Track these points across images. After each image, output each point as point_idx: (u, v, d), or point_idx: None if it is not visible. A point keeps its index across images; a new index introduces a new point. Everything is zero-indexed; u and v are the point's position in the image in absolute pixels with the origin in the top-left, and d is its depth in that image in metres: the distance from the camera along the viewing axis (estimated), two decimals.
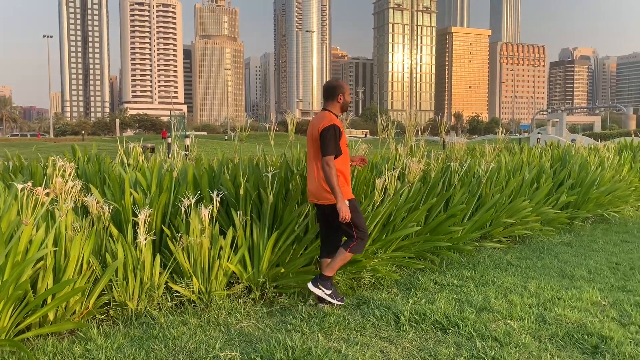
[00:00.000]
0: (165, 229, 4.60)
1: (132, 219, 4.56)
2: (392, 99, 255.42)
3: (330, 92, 4.50)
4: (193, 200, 4.51)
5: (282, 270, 4.60)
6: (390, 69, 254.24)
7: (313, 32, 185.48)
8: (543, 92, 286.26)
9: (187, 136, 21.77)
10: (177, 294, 4.38)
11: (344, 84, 4.56)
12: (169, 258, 4.45)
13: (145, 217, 4.34)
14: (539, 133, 38.03)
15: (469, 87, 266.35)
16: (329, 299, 4.35)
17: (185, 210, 4.54)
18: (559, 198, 7.75)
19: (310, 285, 4.37)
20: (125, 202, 4.67)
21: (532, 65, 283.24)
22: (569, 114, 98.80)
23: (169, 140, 26.56)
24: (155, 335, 3.73)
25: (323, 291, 4.34)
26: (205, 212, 4.39)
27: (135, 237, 4.34)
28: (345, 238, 4.50)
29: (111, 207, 4.50)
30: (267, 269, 4.73)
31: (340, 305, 4.39)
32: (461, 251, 6.11)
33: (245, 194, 4.80)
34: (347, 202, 4.25)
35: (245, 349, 3.55)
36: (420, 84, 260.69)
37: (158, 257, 4.31)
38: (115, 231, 4.41)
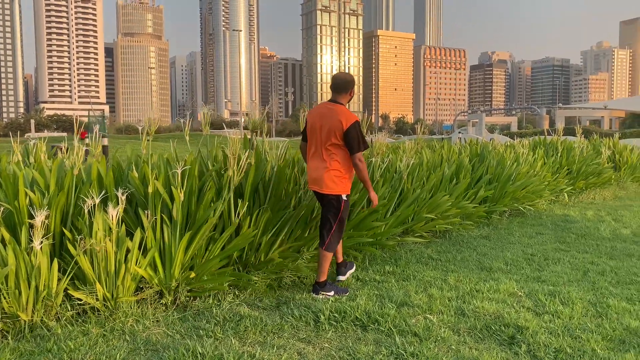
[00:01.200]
0: (65, 231, 4.21)
1: (28, 222, 4.14)
2: (321, 99, 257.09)
3: (344, 85, 4.77)
4: (97, 200, 4.15)
5: (192, 275, 4.33)
6: (319, 70, 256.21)
7: (240, 31, 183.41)
8: (464, 94, 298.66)
9: (105, 136, 20.77)
10: (79, 302, 4.01)
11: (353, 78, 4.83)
12: (70, 263, 4.07)
13: (42, 218, 3.94)
14: (459, 132, 39.46)
15: (395, 89, 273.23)
16: (337, 296, 4.55)
17: (88, 211, 4.17)
18: (478, 192, 7.92)
19: (314, 295, 4.56)
20: (20, 202, 4.23)
21: (454, 69, 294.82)
22: (488, 114, 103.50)
23: (87, 140, 25.22)
24: (49, 348, 3.37)
25: (327, 295, 4.55)
26: (112, 212, 4.05)
27: (31, 241, 3.93)
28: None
29: (2, 208, 4.06)
30: (180, 272, 4.45)
31: (346, 294, 4.59)
32: (384, 247, 6.07)
33: (154, 192, 4.48)
34: (345, 196, 4.62)
35: (151, 358, 3.27)
36: None
37: (56, 262, 3.92)
38: (7, 235, 3.98)
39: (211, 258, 4.62)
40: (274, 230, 5.00)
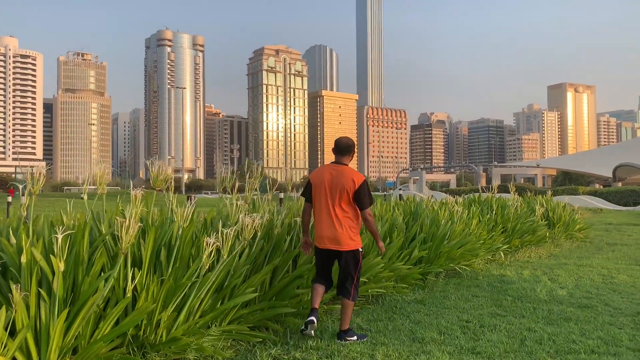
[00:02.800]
0: None
1: None
2: (267, 156, 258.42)
3: (348, 149, 5.20)
4: None
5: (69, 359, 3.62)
6: (265, 127, 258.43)
7: (184, 88, 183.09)
8: (406, 153, 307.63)
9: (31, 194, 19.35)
10: None
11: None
12: None
13: None
14: (400, 189, 39.92)
15: None
16: (359, 340, 4.94)
17: None
18: (412, 253, 7.56)
19: (339, 341, 4.90)
20: None
21: (395, 128, 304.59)
22: (429, 172, 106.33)
23: (9, 199, 23.50)
24: None
25: (350, 339, 4.93)
26: None
27: None
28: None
29: None
30: (59, 357, 3.72)
31: (365, 339, 5.00)
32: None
33: (29, 261, 3.80)
34: (361, 249, 5.14)
35: None
36: (295, 143, 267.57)
37: None
38: None
39: (99, 338, 3.93)
40: (176, 303, 4.36)
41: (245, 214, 4.88)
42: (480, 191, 12.63)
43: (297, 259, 5.77)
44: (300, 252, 5.74)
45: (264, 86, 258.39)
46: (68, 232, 3.81)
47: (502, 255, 10.15)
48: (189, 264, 4.60)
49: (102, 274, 4.06)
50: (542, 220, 12.99)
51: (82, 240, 4.03)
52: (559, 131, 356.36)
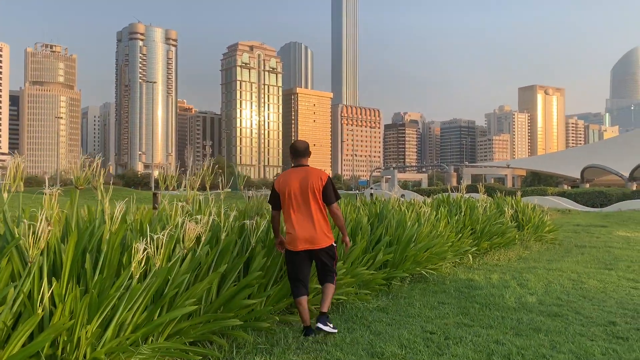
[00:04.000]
0: None
1: None
2: (240, 153, 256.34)
3: (307, 151, 5.34)
4: None
5: None
6: (238, 124, 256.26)
7: (155, 82, 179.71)
8: (379, 151, 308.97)
9: None
10: None
11: None
12: None
13: None
14: (371, 189, 39.69)
15: (314, 144, 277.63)
16: (333, 331, 5.07)
17: None
18: (376, 256, 7.13)
19: (321, 326, 4.96)
20: None
21: (369, 127, 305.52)
22: (401, 171, 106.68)
23: None
24: None
25: (329, 327, 5.00)
26: None
27: None
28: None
29: None
30: None
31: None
32: (258, 329, 5.02)
33: None
34: (334, 242, 5.37)
35: None
36: (268, 140, 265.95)
37: None
38: None
39: (5, 359, 3.38)
40: (102, 317, 3.83)
41: (187, 217, 4.36)
42: (450, 191, 12.32)
43: (250, 264, 5.28)
44: (253, 258, 5.27)
45: (238, 82, 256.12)
46: None
47: (471, 258, 9.82)
48: (119, 272, 4.07)
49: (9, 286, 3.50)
50: (511, 222, 12.75)
51: None
52: (529, 132, 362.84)
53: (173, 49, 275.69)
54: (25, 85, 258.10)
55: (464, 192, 11.61)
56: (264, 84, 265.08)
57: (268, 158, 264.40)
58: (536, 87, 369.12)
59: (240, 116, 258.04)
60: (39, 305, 3.43)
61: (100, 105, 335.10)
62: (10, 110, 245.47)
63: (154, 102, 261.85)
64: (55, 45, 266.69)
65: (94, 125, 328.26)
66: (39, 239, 3.32)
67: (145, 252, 3.82)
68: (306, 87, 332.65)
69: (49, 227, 3.41)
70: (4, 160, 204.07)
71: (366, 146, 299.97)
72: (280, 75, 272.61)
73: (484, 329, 5.55)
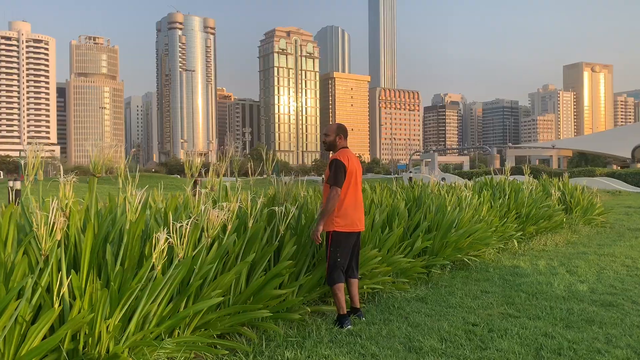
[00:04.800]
0: None
1: None
2: (279, 140, 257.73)
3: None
4: None
5: None
6: (276, 111, 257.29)
7: (194, 71, 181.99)
8: (418, 134, 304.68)
9: (16, 179, 18.91)
10: None
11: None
12: None
13: None
14: (410, 172, 38.99)
15: (352, 129, 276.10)
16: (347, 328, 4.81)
17: None
18: (414, 244, 6.80)
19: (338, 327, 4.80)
20: None
21: (408, 110, 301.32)
22: (441, 154, 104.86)
23: (16, 185, 23.17)
24: None
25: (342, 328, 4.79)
26: None
27: None
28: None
29: None
30: None
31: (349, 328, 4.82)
32: (290, 320, 4.80)
33: None
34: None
35: None
36: (306, 126, 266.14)
37: None
38: None
39: (24, 354, 3.26)
40: (123, 310, 3.67)
41: (212, 204, 4.14)
42: (493, 173, 11.77)
43: (280, 253, 5.06)
44: (283, 246, 5.04)
45: (275, 69, 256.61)
46: None
47: (516, 243, 9.36)
48: (141, 263, 3.90)
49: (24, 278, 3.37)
50: (558, 205, 12.14)
51: None
52: (574, 112, 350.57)
53: (211, 37, 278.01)
54: (70, 77, 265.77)
55: (509, 174, 11.07)
56: (301, 70, 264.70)
57: (306, 144, 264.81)
58: (582, 65, 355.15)
59: (278, 102, 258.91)
60: (57, 299, 3.29)
61: (142, 95, 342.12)
62: (57, 101, 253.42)
63: (194, 90, 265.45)
64: (97, 37, 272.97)
65: (137, 114, 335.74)
66: (54, 230, 3.15)
67: (168, 242, 3.63)
68: (343, 71, 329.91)
69: (64, 218, 3.24)
70: (53, 150, 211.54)
71: (405, 129, 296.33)
72: (317, 60, 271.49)
73: (531, 320, 5.18)
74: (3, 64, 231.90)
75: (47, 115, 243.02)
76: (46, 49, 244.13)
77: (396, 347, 4.37)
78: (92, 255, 3.66)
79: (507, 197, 10.26)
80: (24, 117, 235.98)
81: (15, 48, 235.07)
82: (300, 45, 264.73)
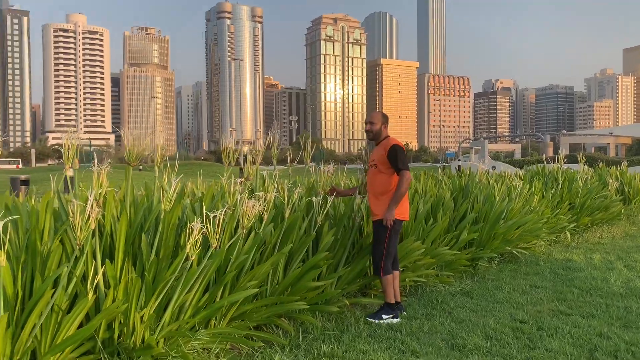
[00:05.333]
0: None
1: None
2: (325, 128, 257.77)
3: None
4: None
5: None
6: (322, 98, 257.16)
7: (242, 60, 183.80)
8: (468, 122, 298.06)
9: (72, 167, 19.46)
10: None
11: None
12: None
13: None
14: (459, 160, 38.11)
15: (399, 116, 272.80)
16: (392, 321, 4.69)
17: None
18: (460, 235, 6.54)
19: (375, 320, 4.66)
20: None
21: (458, 96, 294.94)
22: (492, 142, 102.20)
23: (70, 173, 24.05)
24: None
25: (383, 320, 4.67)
26: None
27: None
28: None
29: None
30: None
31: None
32: (328, 312, 4.69)
33: None
34: None
35: None
36: (352, 114, 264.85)
37: None
38: None
39: (59, 343, 3.27)
40: (158, 300, 3.64)
41: (248, 194, 4.06)
42: (545, 162, 11.25)
43: (318, 244, 4.94)
44: (321, 237, 4.92)
45: (322, 56, 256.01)
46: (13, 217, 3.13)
47: (569, 235, 8.91)
48: (176, 253, 3.86)
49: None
50: (616, 195, 11.50)
51: (37, 228, 3.35)
52: (635, 97, 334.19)
53: (259, 26, 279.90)
54: (124, 67, 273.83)
55: (562, 162, 10.55)
56: (348, 57, 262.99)
57: (352, 132, 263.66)
58: None
59: (325, 90, 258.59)
60: (91, 288, 3.28)
61: (192, 84, 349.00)
62: (112, 91, 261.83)
63: (242, 79, 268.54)
64: (149, 28, 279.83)
65: (188, 103, 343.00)
66: (89, 219, 3.13)
67: (202, 232, 3.56)
68: (391, 57, 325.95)
69: (98, 208, 3.22)
70: (108, 139, 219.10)
71: (454, 116, 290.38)
72: (364, 47, 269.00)
73: (584, 318, 4.87)
74: (61, 55, 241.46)
75: (102, 105, 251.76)
76: (101, 40, 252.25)
77: (438, 344, 4.18)
78: (127, 245, 3.64)
79: (560, 186, 9.77)
80: (80, 107, 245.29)
81: (72, 40, 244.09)
82: (347, 32, 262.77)
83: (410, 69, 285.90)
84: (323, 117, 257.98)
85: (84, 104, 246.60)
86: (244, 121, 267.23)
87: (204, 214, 3.73)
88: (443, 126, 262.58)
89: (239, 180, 4.22)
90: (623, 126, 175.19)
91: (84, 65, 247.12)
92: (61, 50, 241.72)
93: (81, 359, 3.43)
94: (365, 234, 5.41)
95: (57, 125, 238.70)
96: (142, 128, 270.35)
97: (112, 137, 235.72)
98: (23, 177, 15.25)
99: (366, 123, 5.02)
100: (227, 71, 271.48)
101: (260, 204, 4.00)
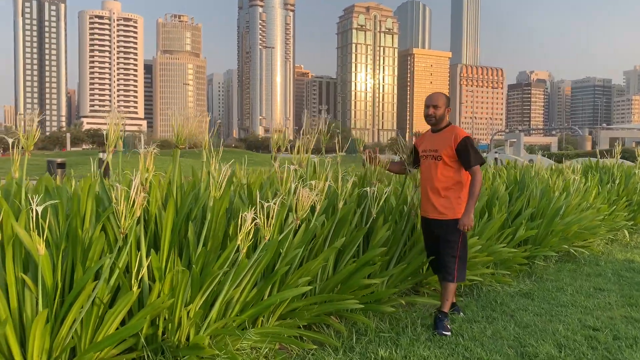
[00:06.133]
0: None
1: None
2: (355, 117, 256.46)
3: None
4: None
5: None
6: (353, 88, 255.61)
7: (273, 48, 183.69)
8: (501, 114, 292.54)
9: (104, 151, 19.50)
10: None
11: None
12: None
13: None
14: (496, 152, 37.15)
15: None
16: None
17: None
18: (516, 232, 6.11)
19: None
20: None
21: (491, 87, 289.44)
22: (527, 134, 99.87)
23: (103, 156, 24.26)
24: None
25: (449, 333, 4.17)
26: None
27: None
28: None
29: None
30: None
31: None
32: (382, 312, 4.35)
33: (13, 236, 2.90)
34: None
35: None
36: (383, 104, 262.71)
37: None
38: None
39: (100, 340, 3.01)
40: (205, 295, 3.35)
41: (300, 182, 3.72)
42: (599, 156, 10.61)
43: (370, 238, 4.59)
44: (375, 231, 4.57)
45: (354, 45, 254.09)
46: (52, 201, 2.87)
47: (627, 234, 8.36)
48: (225, 244, 3.56)
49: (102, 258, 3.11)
50: None
51: (78, 214, 3.08)
52: None
53: (291, 14, 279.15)
54: (157, 54, 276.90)
55: (618, 157, 9.93)
56: (380, 46, 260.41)
57: (382, 122, 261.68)
58: None
59: (355, 80, 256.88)
60: (136, 281, 3.01)
61: (223, 72, 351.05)
62: (145, 78, 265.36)
63: (272, 67, 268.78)
64: (182, 15, 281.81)
65: (219, 91, 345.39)
66: (134, 206, 2.84)
67: (254, 223, 3.24)
68: (423, 47, 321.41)
69: (144, 193, 2.93)
70: (140, 125, 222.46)
71: (487, 108, 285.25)
72: (396, 36, 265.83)
73: None
74: (96, 41, 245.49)
75: (135, 91, 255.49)
76: (135, 27, 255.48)
77: (506, 352, 3.80)
78: (174, 234, 3.36)
79: (617, 182, 9.19)
80: (114, 92, 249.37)
81: (107, 27, 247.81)
82: (380, 21, 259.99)
83: (442, 59, 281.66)
84: (353, 107, 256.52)
85: (117, 90, 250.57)
86: (274, 110, 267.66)
87: (257, 203, 3.42)
88: (475, 117, 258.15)
89: (291, 167, 3.89)
90: None
91: (118, 52, 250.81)
92: (96, 36, 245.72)
93: (123, 356, 3.18)
94: (418, 230, 5.03)
95: (91, 111, 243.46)
96: (174, 114, 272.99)
97: (144, 123, 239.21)
98: (59, 160, 15.29)
99: (427, 106, 4.41)
100: (258, 59, 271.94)
101: (316, 194, 3.67)
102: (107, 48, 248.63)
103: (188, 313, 3.30)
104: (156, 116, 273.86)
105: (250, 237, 3.32)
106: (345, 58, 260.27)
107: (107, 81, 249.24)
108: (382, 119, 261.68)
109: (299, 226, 3.81)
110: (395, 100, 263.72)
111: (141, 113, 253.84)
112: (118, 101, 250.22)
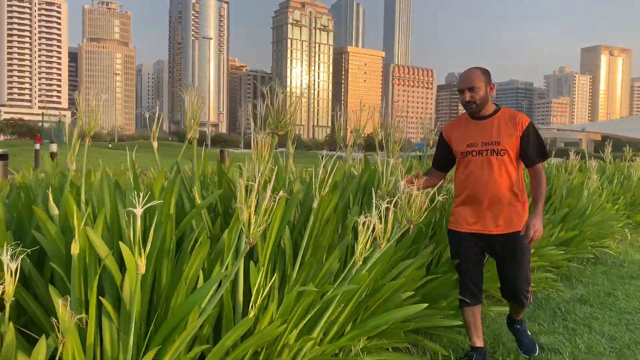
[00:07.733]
0: None
1: None
2: (289, 113, 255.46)
3: None
4: None
5: None
6: (288, 83, 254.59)
7: (210, 39, 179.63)
8: (431, 113, 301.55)
9: (53, 141, 18.06)
10: None
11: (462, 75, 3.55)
12: None
13: None
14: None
15: (364, 105, 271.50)
16: None
17: None
18: (554, 233, 5.80)
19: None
20: None
21: (422, 87, 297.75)
22: None
23: (37, 146, 22.27)
24: None
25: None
26: None
27: None
28: None
29: None
30: None
31: None
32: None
33: (82, 254, 2.15)
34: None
35: None
36: (318, 100, 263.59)
37: None
38: None
39: None
40: (307, 319, 2.71)
41: (403, 181, 3.13)
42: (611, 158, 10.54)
43: None
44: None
45: (289, 40, 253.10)
46: (145, 203, 2.14)
47: (628, 233, 8.35)
48: (325, 257, 2.92)
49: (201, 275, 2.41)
50: None
51: (168, 220, 2.35)
52: (590, 96, 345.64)
53: (225, 6, 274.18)
54: (82, 41, 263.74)
55: (609, 157, 9.98)
56: (315, 42, 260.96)
57: (317, 118, 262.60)
58: (600, 48, 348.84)
59: (291, 75, 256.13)
60: (254, 306, 2.32)
61: (154, 62, 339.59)
62: (69, 66, 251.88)
63: (205, 60, 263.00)
64: (110, 2, 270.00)
65: (148, 82, 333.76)
66: (261, 209, 2.15)
67: (373, 230, 2.62)
68: (357, 45, 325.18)
69: (281, 193, 2.24)
70: (64, 115, 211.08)
71: (418, 107, 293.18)
72: (331, 34, 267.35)
73: None
74: (15, 26, 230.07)
75: (59, 80, 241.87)
76: (58, 12, 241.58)
77: None
78: (274, 247, 2.69)
79: (615, 182, 9.21)
80: (35, 81, 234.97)
81: (27, 11, 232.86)
82: (315, 17, 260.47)
83: (376, 58, 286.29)
84: (288, 103, 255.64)
85: (39, 79, 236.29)
86: (206, 103, 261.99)
87: (361, 204, 2.80)
88: (407, 117, 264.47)
89: (391, 160, 3.29)
90: (597, 122, 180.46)
91: (39, 38, 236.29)
92: (15, 21, 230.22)
93: None
94: None
95: (9, 99, 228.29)
96: (101, 105, 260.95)
97: (68, 113, 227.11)
98: (0, 150, 13.75)
99: (462, 91, 3.47)
100: (190, 51, 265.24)
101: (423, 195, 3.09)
102: (27, 33, 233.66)
103: (289, 339, 2.65)
104: (188, 90, 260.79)
105: (369, 246, 2.70)
106: (280, 53, 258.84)
107: (27, 68, 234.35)
108: (317, 115, 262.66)
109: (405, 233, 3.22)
110: (330, 97, 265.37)
111: (65, 103, 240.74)
112: (39, 90, 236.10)
